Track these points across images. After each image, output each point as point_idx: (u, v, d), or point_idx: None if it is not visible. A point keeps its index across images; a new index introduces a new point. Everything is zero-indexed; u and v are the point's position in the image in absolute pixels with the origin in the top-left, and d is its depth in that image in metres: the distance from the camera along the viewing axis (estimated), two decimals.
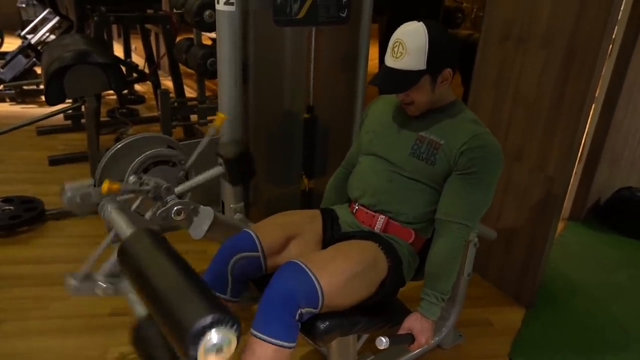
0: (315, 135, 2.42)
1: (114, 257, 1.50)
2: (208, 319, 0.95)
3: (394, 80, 1.38)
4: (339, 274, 1.27)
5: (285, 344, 1.19)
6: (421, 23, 1.35)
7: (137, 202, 1.66)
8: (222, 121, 1.84)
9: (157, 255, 1.17)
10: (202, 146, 1.85)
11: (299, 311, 1.21)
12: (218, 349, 0.96)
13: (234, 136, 2.18)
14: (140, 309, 1.35)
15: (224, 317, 0.97)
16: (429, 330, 1.38)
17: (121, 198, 1.64)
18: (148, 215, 1.66)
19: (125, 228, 1.40)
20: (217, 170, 1.84)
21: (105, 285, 1.46)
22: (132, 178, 1.73)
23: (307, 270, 1.23)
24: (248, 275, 1.46)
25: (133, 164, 1.78)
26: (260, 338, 1.19)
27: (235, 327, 0.98)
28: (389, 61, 1.38)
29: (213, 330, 0.95)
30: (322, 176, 2.47)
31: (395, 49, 1.35)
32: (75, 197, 1.61)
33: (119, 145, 1.77)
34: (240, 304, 1.54)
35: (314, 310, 1.24)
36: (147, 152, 1.80)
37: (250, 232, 1.44)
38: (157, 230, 1.37)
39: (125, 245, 1.25)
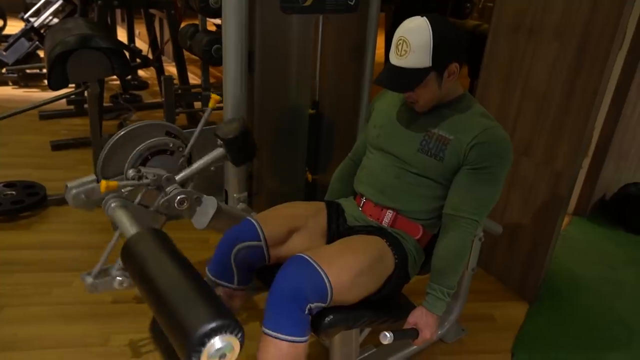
0: (320, 130, 2.39)
1: None
2: (212, 325, 0.95)
3: (399, 79, 1.34)
4: (348, 269, 1.26)
5: (298, 338, 1.19)
6: (424, 18, 1.31)
7: (140, 195, 1.65)
8: (215, 102, 1.80)
9: (161, 257, 1.17)
10: (198, 130, 1.82)
11: (308, 306, 1.20)
12: (221, 355, 0.97)
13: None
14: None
15: (228, 323, 0.97)
16: (434, 326, 1.36)
17: (125, 190, 1.63)
18: (153, 206, 1.65)
19: (129, 227, 1.40)
20: (217, 152, 1.81)
21: (121, 279, 1.51)
22: (130, 172, 1.72)
23: (314, 264, 1.21)
24: (252, 264, 1.45)
25: (130, 157, 1.76)
26: (272, 336, 1.18)
27: (238, 333, 0.99)
28: (394, 59, 1.34)
29: (217, 337, 0.95)
30: (324, 172, 2.47)
31: (400, 47, 1.32)
32: (79, 194, 1.63)
33: (117, 137, 1.74)
34: (247, 292, 1.53)
35: (322, 305, 1.23)
36: (142, 145, 1.77)
37: (253, 221, 1.42)
38: (161, 230, 1.37)
39: (129, 246, 1.24)
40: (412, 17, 1.33)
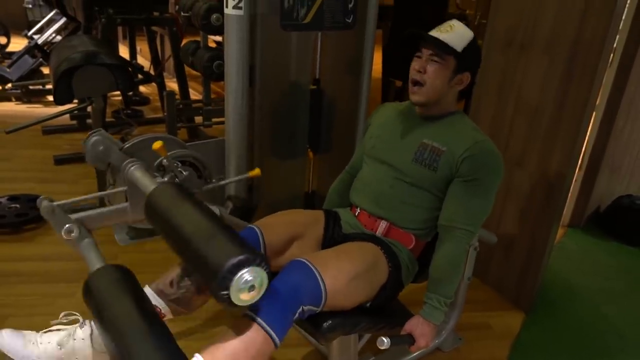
0: (319, 142, 2.44)
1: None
2: (240, 257, 0.96)
3: (433, 40, 1.41)
4: (343, 273, 1.29)
5: (276, 338, 1.14)
6: None
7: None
8: (255, 175, 1.96)
9: (185, 204, 1.19)
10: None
11: (301, 308, 1.22)
12: (250, 287, 0.97)
13: (240, 152, 2.26)
14: (95, 263, 1.34)
15: (256, 257, 0.98)
16: (430, 334, 1.39)
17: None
18: None
19: (149, 183, 1.40)
20: (223, 210, 1.93)
21: None
22: (165, 161, 1.78)
23: (312, 268, 1.25)
24: None
25: (177, 150, 1.83)
26: (256, 321, 1.13)
27: (266, 267, 0.99)
28: (433, 32, 1.42)
29: (246, 269, 0.96)
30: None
31: (444, 27, 1.42)
32: (100, 143, 1.64)
33: (149, 136, 1.85)
34: None
35: (315, 309, 1.26)
36: (195, 153, 1.89)
37: (255, 228, 1.45)
38: (180, 184, 1.39)
39: (152, 197, 1.26)
40: None
